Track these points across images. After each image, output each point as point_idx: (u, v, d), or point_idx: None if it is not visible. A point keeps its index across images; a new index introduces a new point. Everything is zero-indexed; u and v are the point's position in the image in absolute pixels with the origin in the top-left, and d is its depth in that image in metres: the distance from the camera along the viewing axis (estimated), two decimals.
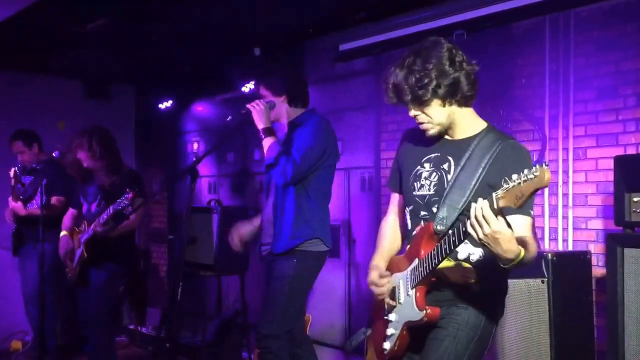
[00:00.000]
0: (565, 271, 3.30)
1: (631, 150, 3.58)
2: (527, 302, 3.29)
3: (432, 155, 2.30)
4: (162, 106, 6.54)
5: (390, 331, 2.33)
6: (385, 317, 2.36)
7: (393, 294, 2.33)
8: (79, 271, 4.24)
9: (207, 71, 5.87)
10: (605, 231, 3.59)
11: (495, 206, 1.84)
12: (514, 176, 1.82)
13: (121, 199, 3.82)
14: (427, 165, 2.30)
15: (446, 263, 2.17)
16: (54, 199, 5.18)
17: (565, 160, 3.86)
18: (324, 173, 3.54)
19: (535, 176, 1.76)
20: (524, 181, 1.78)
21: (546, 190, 3.90)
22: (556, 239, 3.87)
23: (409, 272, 2.26)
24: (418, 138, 2.38)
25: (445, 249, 2.08)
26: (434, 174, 2.27)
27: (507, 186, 1.82)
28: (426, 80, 2.11)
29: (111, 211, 3.89)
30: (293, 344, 3.58)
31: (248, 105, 3.49)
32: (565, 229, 3.85)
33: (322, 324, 5.28)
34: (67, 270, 4.36)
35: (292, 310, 3.46)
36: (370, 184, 5.10)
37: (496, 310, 2.29)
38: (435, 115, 2.19)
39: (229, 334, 4.99)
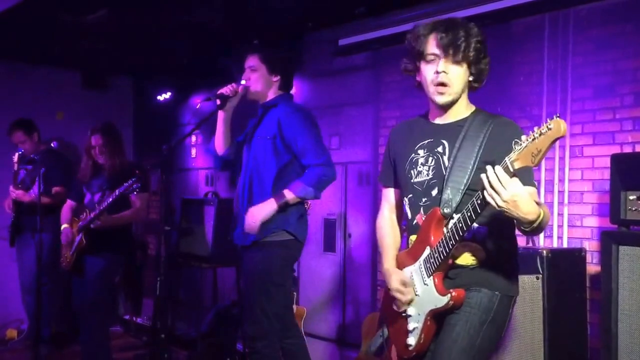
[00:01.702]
0: (560, 268, 3.32)
1: (627, 149, 3.60)
2: (522, 298, 3.30)
3: (426, 141, 2.34)
4: (160, 98, 6.54)
5: (412, 325, 2.30)
6: (404, 314, 2.33)
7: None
8: (75, 259, 4.25)
9: (205, 64, 5.88)
10: (600, 229, 3.61)
11: (511, 169, 1.87)
12: (523, 137, 1.84)
13: (128, 182, 3.84)
14: (421, 151, 2.34)
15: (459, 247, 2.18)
16: (54, 189, 5.20)
17: (562, 158, 3.88)
18: (297, 165, 3.35)
19: (550, 128, 1.78)
20: (539, 135, 1.79)
21: (542, 188, 3.93)
22: (551, 236, 3.89)
23: (422, 262, 2.26)
24: (407, 130, 2.45)
25: (462, 227, 2.08)
26: (430, 158, 2.30)
27: (519, 147, 1.85)
28: (479, 44, 2.23)
29: (117, 194, 3.90)
30: (284, 336, 3.51)
31: None
32: (560, 226, 3.87)
33: (317, 317, 5.31)
34: (62, 259, 4.36)
35: (274, 307, 3.32)
36: (368, 178, 5.11)
37: (510, 290, 2.28)
38: (459, 79, 2.25)
39: (224, 325, 5.01)
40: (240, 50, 3.64)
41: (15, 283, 5.56)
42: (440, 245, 2.16)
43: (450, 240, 2.12)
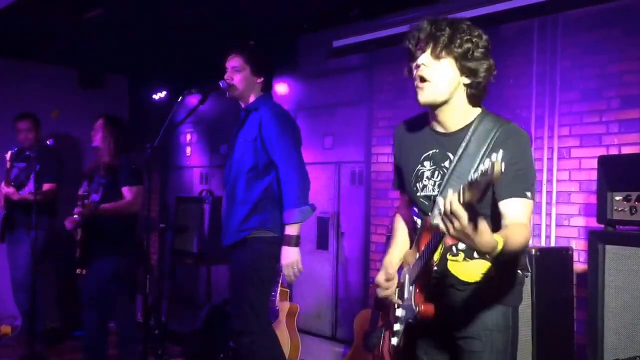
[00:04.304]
0: (548, 266, 3.36)
1: (613, 151, 3.67)
2: None
3: (431, 152, 2.16)
4: (155, 97, 6.57)
5: (396, 327, 2.22)
6: (395, 313, 2.26)
7: (402, 289, 2.22)
8: (82, 255, 4.26)
9: (201, 63, 5.92)
10: (587, 228, 3.68)
11: (461, 201, 1.67)
12: (479, 167, 1.63)
13: (107, 177, 3.87)
14: (427, 163, 2.17)
15: (464, 263, 2.09)
16: (45, 186, 5.22)
17: (550, 159, 3.95)
18: (273, 167, 3.40)
19: (487, 171, 1.57)
20: (482, 175, 1.59)
21: None
22: (539, 235, 3.96)
23: (411, 267, 2.17)
24: (411, 135, 2.27)
25: (435, 244, 1.98)
26: (436, 172, 2.13)
27: (472, 179, 1.63)
28: (466, 39, 2.02)
29: (100, 187, 3.94)
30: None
31: None
32: (548, 226, 3.95)
33: (310, 314, 5.37)
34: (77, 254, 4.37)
35: (259, 302, 3.38)
36: (361, 178, 5.18)
37: (517, 300, 2.22)
38: (442, 75, 2.02)
39: (218, 322, 5.06)
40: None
41: (8, 279, 5.55)
42: (423, 255, 2.07)
43: (427, 252, 2.02)
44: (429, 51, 2.03)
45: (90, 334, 4.34)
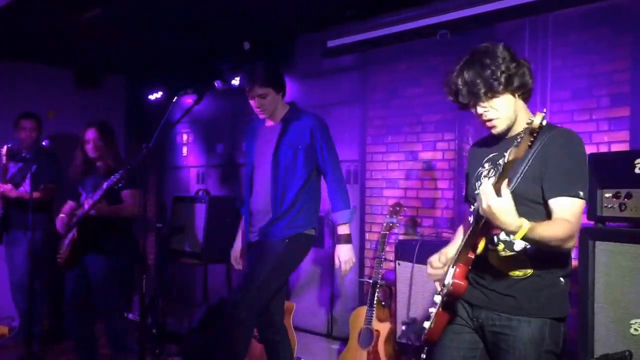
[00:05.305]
0: None
1: (603, 149, 3.70)
2: None
3: (492, 155, 2.36)
4: (152, 97, 6.59)
5: (431, 310, 2.35)
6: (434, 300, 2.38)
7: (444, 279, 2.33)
8: (70, 256, 4.27)
9: (198, 63, 5.95)
10: None
11: (493, 182, 1.97)
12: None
13: (114, 175, 3.90)
14: (487, 164, 2.37)
15: (501, 253, 2.22)
16: (42, 186, 5.22)
17: None
18: (316, 173, 3.72)
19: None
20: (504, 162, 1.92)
21: None
22: None
23: (456, 253, 2.30)
24: (480, 146, 2.49)
25: (474, 225, 2.12)
26: (492, 170, 2.32)
27: (499, 165, 1.96)
28: (499, 72, 2.18)
29: (105, 187, 3.94)
30: (272, 330, 3.69)
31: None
32: None
33: (306, 312, 5.39)
34: (59, 254, 4.36)
35: (269, 286, 3.52)
36: (356, 176, 5.21)
37: (561, 311, 2.29)
38: (504, 108, 2.23)
39: (214, 321, 5.09)
40: (233, 53, 3.72)
41: (5, 280, 5.55)
42: (468, 236, 2.19)
43: (470, 236, 2.16)
44: (478, 104, 2.24)
45: (79, 335, 4.37)
